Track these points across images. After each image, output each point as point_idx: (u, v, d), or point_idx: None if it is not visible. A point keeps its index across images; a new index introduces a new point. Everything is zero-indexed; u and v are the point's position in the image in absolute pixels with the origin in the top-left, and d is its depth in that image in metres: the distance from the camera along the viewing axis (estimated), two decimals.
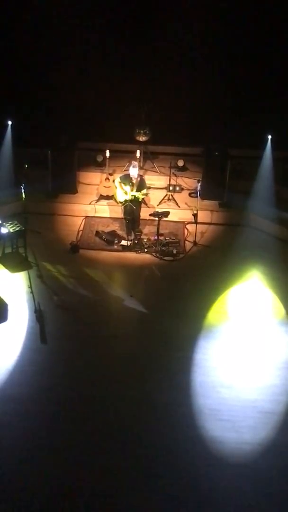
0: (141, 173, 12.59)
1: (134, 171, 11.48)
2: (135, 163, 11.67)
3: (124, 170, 12.12)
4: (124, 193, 11.45)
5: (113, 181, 12.10)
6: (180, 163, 13.24)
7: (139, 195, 11.45)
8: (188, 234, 11.79)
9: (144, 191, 11.54)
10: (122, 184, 11.50)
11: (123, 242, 11.30)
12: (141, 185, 11.53)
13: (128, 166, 11.79)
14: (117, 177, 11.83)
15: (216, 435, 7.26)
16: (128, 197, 11.41)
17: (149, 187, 12.09)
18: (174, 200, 12.47)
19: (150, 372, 8.23)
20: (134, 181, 11.45)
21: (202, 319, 9.32)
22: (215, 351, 8.67)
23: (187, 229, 11.94)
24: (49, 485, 6.55)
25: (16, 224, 10.58)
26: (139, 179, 11.54)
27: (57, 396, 7.75)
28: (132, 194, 11.39)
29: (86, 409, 7.58)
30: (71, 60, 13.57)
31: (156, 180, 12.96)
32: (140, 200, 11.56)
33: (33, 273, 10.16)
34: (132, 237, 11.35)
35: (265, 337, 9.00)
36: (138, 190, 11.46)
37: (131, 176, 11.48)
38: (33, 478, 6.63)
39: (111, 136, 13.35)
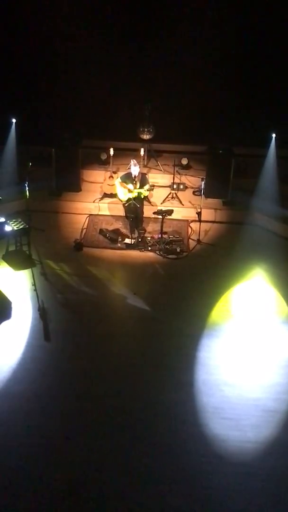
0: (145, 171, 12.60)
1: (135, 169, 11.48)
2: (135, 161, 11.67)
3: (128, 169, 12.12)
4: (127, 191, 11.45)
5: (119, 176, 12.11)
6: (184, 161, 13.22)
7: (144, 191, 11.46)
8: (192, 232, 11.79)
9: (147, 186, 11.56)
10: (124, 183, 11.51)
11: (127, 240, 11.31)
12: (143, 182, 11.55)
13: (130, 165, 11.79)
14: (117, 177, 11.84)
15: (219, 433, 7.26)
16: (132, 195, 11.41)
17: (153, 185, 12.08)
18: (178, 198, 12.47)
19: (153, 370, 8.24)
20: (136, 179, 11.46)
21: (206, 317, 9.32)
22: (218, 349, 8.67)
23: (190, 227, 11.93)
24: (52, 483, 6.57)
25: (20, 222, 10.58)
26: (140, 176, 11.55)
27: (60, 394, 7.77)
28: (136, 191, 11.40)
29: (89, 407, 7.59)
30: (75, 58, 13.55)
31: (160, 178, 12.95)
32: (144, 196, 11.56)
33: (36, 271, 10.17)
34: (136, 235, 11.35)
35: (268, 336, 9.00)
36: (141, 186, 11.47)
37: (133, 175, 11.48)
38: (35, 476, 6.65)
39: (115, 134, 13.33)
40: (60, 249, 11.09)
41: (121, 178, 11.66)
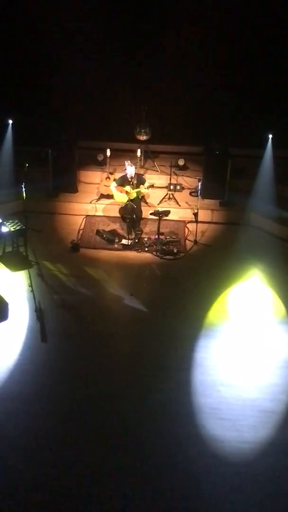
0: (142, 172, 12.60)
1: (131, 170, 11.47)
2: (129, 162, 11.65)
3: (124, 170, 12.11)
4: (126, 193, 11.40)
5: (114, 180, 12.10)
6: (181, 162, 13.24)
7: (143, 188, 11.44)
8: (189, 233, 11.79)
9: (146, 184, 11.54)
10: (121, 186, 11.49)
11: (124, 241, 11.31)
12: (140, 182, 11.54)
13: (125, 167, 11.76)
14: (112, 183, 11.80)
15: (216, 434, 7.27)
16: (132, 196, 11.40)
17: (153, 184, 12.01)
18: (175, 199, 12.47)
19: (150, 371, 8.24)
20: (132, 180, 11.43)
21: (203, 318, 9.33)
22: (215, 350, 8.67)
23: (187, 228, 11.94)
24: (49, 484, 6.57)
25: (16, 223, 10.58)
26: (136, 176, 11.52)
27: (57, 395, 7.76)
28: (136, 191, 11.38)
29: (86, 408, 7.59)
30: (72, 59, 13.53)
31: (157, 179, 12.94)
32: (142, 196, 11.53)
33: (33, 272, 10.16)
34: (133, 236, 11.35)
35: (265, 336, 9.00)
36: (138, 186, 11.47)
37: (128, 176, 11.47)
38: (33, 477, 6.64)
39: (112, 135, 13.34)
40: (56, 250, 11.08)
41: (116, 182, 11.63)
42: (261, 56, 13.42)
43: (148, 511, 6.38)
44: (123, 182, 11.53)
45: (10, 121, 12.61)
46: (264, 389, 7.99)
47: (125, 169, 11.73)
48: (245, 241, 11.36)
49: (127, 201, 11.43)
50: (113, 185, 11.69)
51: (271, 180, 12.36)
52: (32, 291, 9.58)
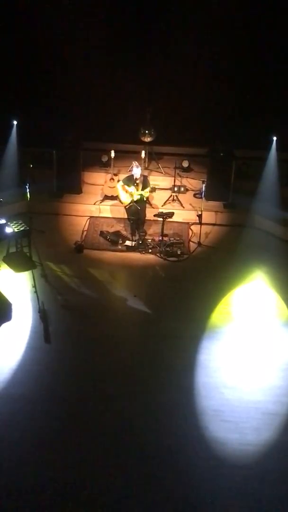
0: (146, 174, 12.61)
1: (137, 171, 11.51)
2: (137, 163, 11.69)
3: (129, 171, 12.13)
4: (129, 194, 11.45)
5: (118, 181, 12.12)
6: (185, 163, 13.24)
7: (145, 193, 11.49)
8: (193, 235, 11.79)
9: (148, 188, 11.57)
10: (126, 187, 11.53)
11: (128, 243, 11.31)
12: (144, 184, 11.58)
13: (132, 167, 11.80)
14: (119, 181, 11.84)
15: (219, 436, 7.25)
16: (135, 198, 11.43)
17: (155, 187, 12.05)
18: (179, 200, 12.48)
19: (153, 372, 8.23)
20: (138, 181, 11.48)
21: (206, 320, 9.32)
22: (218, 352, 8.66)
23: (191, 229, 11.94)
24: (52, 485, 6.56)
25: (20, 223, 10.57)
26: (142, 178, 11.56)
27: (60, 396, 7.76)
28: (138, 194, 11.42)
29: (89, 409, 7.58)
30: (76, 61, 13.58)
31: (161, 180, 12.97)
32: (146, 198, 11.58)
33: (37, 273, 10.17)
34: (137, 237, 11.36)
35: (268, 338, 8.99)
36: (143, 189, 11.50)
37: (134, 177, 11.50)
38: (35, 478, 6.64)
39: (116, 137, 13.36)
40: (60, 251, 11.09)
41: (123, 181, 11.68)
42: (266, 58, 13.43)
43: None
44: (128, 182, 11.58)
45: (15, 122, 12.64)
46: (267, 391, 7.98)
47: (130, 170, 11.76)
48: (249, 243, 11.36)
49: (131, 202, 11.46)
50: (119, 184, 11.73)
51: (275, 182, 12.37)
52: (35, 292, 9.59)
